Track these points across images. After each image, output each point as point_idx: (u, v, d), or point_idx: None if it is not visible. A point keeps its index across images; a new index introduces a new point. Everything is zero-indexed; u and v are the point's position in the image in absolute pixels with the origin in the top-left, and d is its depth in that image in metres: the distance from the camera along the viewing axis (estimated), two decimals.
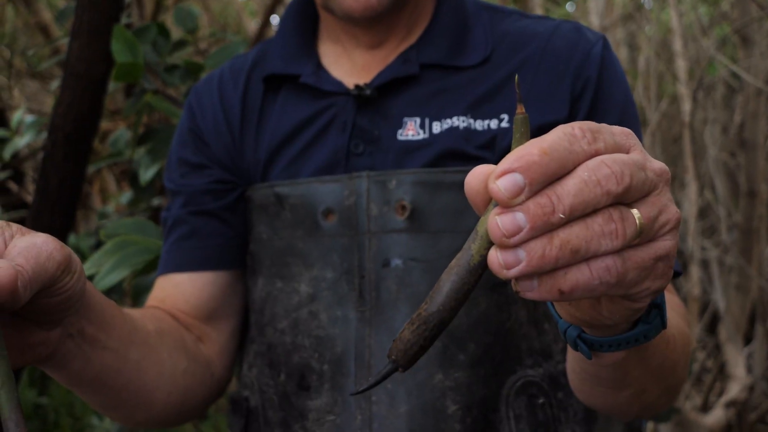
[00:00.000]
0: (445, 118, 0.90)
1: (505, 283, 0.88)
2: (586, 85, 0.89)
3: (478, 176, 0.48)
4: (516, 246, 0.46)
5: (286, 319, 0.91)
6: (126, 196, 2.05)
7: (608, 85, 0.91)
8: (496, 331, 0.87)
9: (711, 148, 2.95)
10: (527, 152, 0.45)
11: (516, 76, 0.52)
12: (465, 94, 0.91)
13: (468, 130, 0.89)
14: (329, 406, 0.87)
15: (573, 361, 0.76)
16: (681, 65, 2.56)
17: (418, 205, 0.88)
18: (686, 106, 2.48)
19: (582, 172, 0.46)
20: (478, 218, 0.88)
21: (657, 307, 0.58)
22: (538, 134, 0.87)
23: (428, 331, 0.49)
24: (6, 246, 0.58)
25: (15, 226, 0.60)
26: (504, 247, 0.46)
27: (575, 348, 0.62)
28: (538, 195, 0.45)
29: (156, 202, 1.97)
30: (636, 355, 0.67)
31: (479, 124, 0.90)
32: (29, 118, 1.96)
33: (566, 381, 0.90)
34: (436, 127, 0.90)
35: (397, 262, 0.88)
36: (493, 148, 0.89)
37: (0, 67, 3.33)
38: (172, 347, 0.88)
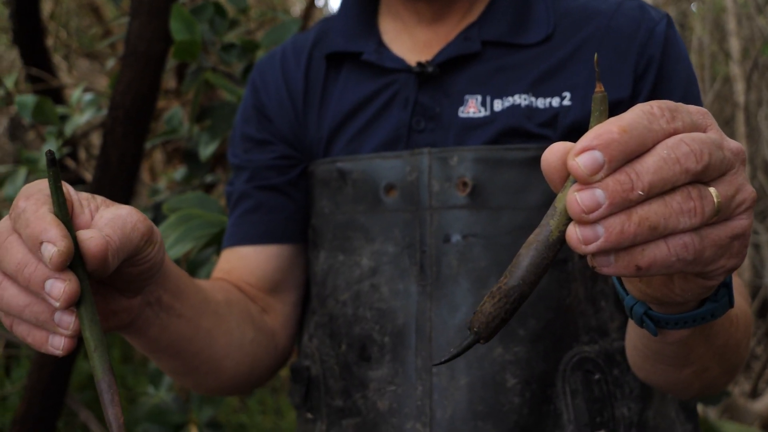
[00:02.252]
0: (507, 96, 0.91)
1: (566, 260, 0.89)
2: (649, 63, 0.89)
3: (555, 153, 0.49)
4: (595, 222, 0.47)
5: (348, 291, 0.93)
6: (180, 172, 2.09)
7: (672, 64, 0.91)
8: (556, 308, 0.88)
9: (765, 130, 2.90)
10: (607, 130, 0.46)
11: (595, 55, 0.52)
12: (527, 71, 0.92)
13: (529, 108, 0.90)
14: (390, 376, 0.89)
15: (636, 338, 0.77)
16: (735, 45, 2.52)
17: (480, 181, 0.89)
18: (739, 87, 2.44)
19: (661, 150, 0.47)
20: (539, 195, 0.90)
21: (725, 286, 0.59)
22: None
23: (509, 304, 0.50)
24: (92, 217, 0.60)
25: (99, 198, 0.63)
26: (583, 222, 0.47)
27: (641, 325, 0.63)
28: (618, 172, 0.46)
29: (209, 178, 2.00)
30: (701, 334, 0.68)
31: (541, 102, 0.90)
32: (87, 96, 2.00)
33: (622, 358, 0.91)
34: (498, 105, 0.91)
35: (457, 237, 0.89)
36: (555, 126, 0.89)
37: (56, 47, 3.39)
38: (239, 317, 0.91)
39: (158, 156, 3.51)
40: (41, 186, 0.59)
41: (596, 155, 0.46)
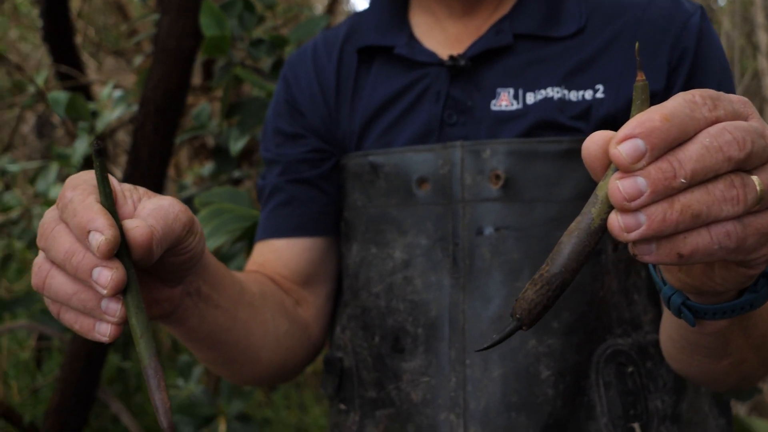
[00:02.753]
0: (539, 89, 0.91)
1: (599, 253, 0.89)
2: (683, 55, 0.89)
3: (597, 141, 0.50)
4: (637, 210, 0.47)
5: (381, 283, 0.94)
6: (207, 168, 2.11)
7: (706, 57, 0.90)
8: (590, 300, 0.88)
9: None
10: (648, 118, 0.47)
11: (636, 44, 0.53)
12: (559, 64, 0.92)
13: (562, 100, 0.90)
14: (423, 368, 0.90)
15: (672, 329, 0.77)
16: (763, 38, 2.49)
17: (513, 174, 0.89)
18: None
19: (704, 138, 0.47)
20: (571, 187, 0.90)
21: (765, 276, 0.59)
22: None
23: (551, 291, 0.51)
24: (135, 208, 0.62)
25: (141, 189, 0.64)
26: (625, 210, 0.48)
27: (678, 315, 0.63)
28: (660, 160, 0.47)
29: (237, 174, 2.02)
30: (739, 324, 0.67)
31: (574, 95, 0.90)
32: (116, 92, 2.03)
33: (655, 351, 0.91)
34: (530, 98, 0.91)
35: (490, 230, 0.89)
36: (588, 119, 0.89)
37: (84, 45, 3.43)
38: (274, 309, 0.92)
39: (183, 153, 3.54)
40: (86, 177, 0.61)
41: (638, 143, 0.47)
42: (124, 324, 0.58)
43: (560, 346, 0.87)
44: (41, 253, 0.61)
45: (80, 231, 0.56)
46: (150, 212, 0.60)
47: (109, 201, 0.58)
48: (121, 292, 0.57)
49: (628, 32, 0.91)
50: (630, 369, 0.89)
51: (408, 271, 0.92)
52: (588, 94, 0.90)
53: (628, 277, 0.91)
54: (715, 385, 0.84)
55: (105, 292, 0.56)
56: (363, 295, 0.96)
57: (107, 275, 0.55)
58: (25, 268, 3.48)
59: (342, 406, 0.99)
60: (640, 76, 0.51)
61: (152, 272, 0.68)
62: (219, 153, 1.78)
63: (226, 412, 1.86)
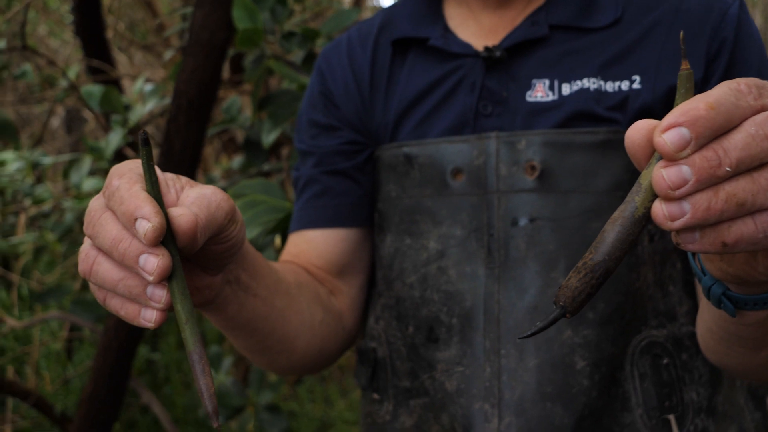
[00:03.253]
0: (575, 80, 0.91)
1: (635, 244, 0.89)
2: (722, 46, 0.88)
3: (640, 130, 0.50)
4: (681, 198, 0.47)
5: (415, 274, 0.95)
6: (237, 161, 2.13)
7: (744, 47, 0.90)
8: (626, 291, 0.88)
9: None
10: (694, 106, 0.47)
11: (681, 33, 0.53)
12: (595, 55, 0.92)
13: (598, 91, 0.90)
14: (458, 357, 0.90)
15: (711, 320, 0.76)
16: None
17: (548, 165, 0.89)
18: None
19: (749, 127, 0.47)
20: (607, 178, 0.90)
21: None
22: (672, 96, 0.87)
23: (595, 279, 0.51)
24: (178, 197, 0.62)
25: (184, 179, 0.65)
26: (669, 199, 0.48)
27: (719, 306, 0.63)
28: (705, 148, 0.47)
29: (266, 167, 2.03)
30: None
31: (610, 86, 0.90)
32: (148, 86, 2.04)
33: (690, 343, 0.91)
34: (566, 89, 0.91)
35: (525, 221, 0.89)
36: (625, 110, 0.89)
37: (114, 40, 3.47)
38: (309, 299, 0.93)
39: (210, 147, 3.56)
40: (132, 166, 0.62)
41: (683, 132, 0.47)
42: (168, 310, 0.59)
43: (596, 336, 0.87)
44: (87, 240, 0.62)
45: (127, 218, 0.57)
46: (193, 200, 0.61)
47: (155, 189, 0.59)
48: (166, 278, 0.58)
49: (666, 23, 0.91)
50: (665, 360, 0.89)
51: (442, 261, 0.93)
52: (624, 85, 0.90)
53: (663, 269, 0.91)
54: (753, 376, 0.83)
55: (151, 278, 0.57)
56: (397, 286, 0.97)
57: (153, 262, 0.56)
58: (56, 260, 3.52)
59: (375, 396, 0.99)
60: (685, 65, 0.51)
61: (194, 260, 0.69)
62: (249, 146, 1.79)
63: (255, 402, 1.88)
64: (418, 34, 1.00)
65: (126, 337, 1.83)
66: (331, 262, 1.01)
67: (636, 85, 0.89)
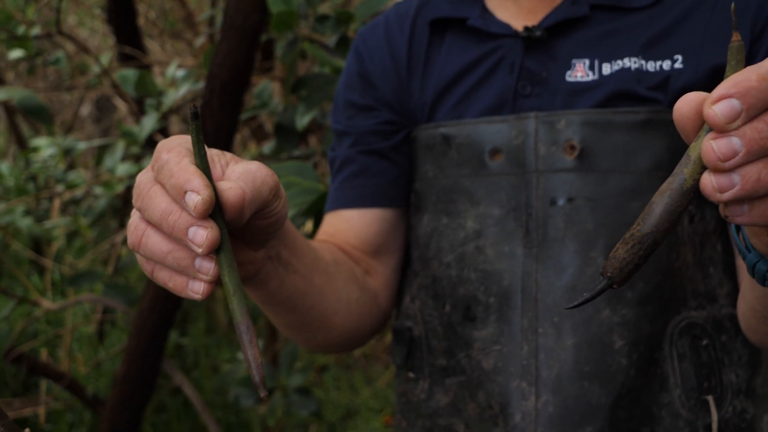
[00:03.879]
0: (616, 60, 0.91)
1: (683, 216, 0.88)
2: (766, 24, 0.87)
3: (689, 102, 0.49)
4: (730, 170, 0.47)
5: (452, 253, 0.95)
6: (268, 146, 2.14)
7: None
8: (665, 271, 0.88)
9: None
10: (745, 78, 0.46)
11: (732, 4, 0.52)
12: (637, 35, 0.91)
13: (640, 71, 0.89)
14: (495, 336, 0.91)
15: (754, 299, 0.76)
16: None
17: (588, 144, 0.89)
18: None
19: None
20: (648, 158, 0.89)
21: None
22: (715, 75, 0.86)
23: (642, 250, 0.51)
24: (223, 172, 0.63)
25: (229, 155, 0.66)
26: (718, 171, 0.47)
27: (763, 283, 0.63)
28: (755, 120, 0.47)
29: (297, 152, 2.04)
30: None
31: (651, 65, 0.90)
32: (180, 72, 2.06)
33: (730, 325, 0.90)
34: (606, 69, 0.91)
35: (563, 200, 0.89)
36: (666, 89, 0.89)
37: (144, 28, 3.50)
38: (346, 277, 0.94)
39: (237, 135, 3.59)
40: (180, 140, 0.62)
41: (734, 103, 0.46)
42: (216, 282, 0.60)
43: (634, 316, 0.87)
44: (136, 213, 0.62)
45: (177, 191, 0.57)
46: (239, 175, 0.62)
47: (204, 163, 0.59)
48: (214, 251, 0.58)
49: (710, 2, 0.90)
50: (705, 342, 0.88)
51: (480, 240, 0.93)
52: (666, 65, 0.89)
53: (703, 250, 0.90)
54: None
55: (200, 250, 0.57)
56: (434, 265, 0.97)
57: (203, 234, 0.57)
58: (87, 245, 3.57)
59: (411, 375, 1.00)
60: (736, 37, 0.50)
61: (237, 235, 0.69)
62: (280, 131, 1.80)
63: (285, 385, 1.90)
64: (456, 14, 1.00)
65: (159, 319, 1.86)
66: (366, 242, 1.01)
67: (678, 65, 0.89)
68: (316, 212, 1.29)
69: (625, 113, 0.88)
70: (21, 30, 2.22)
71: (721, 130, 0.47)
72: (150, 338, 1.86)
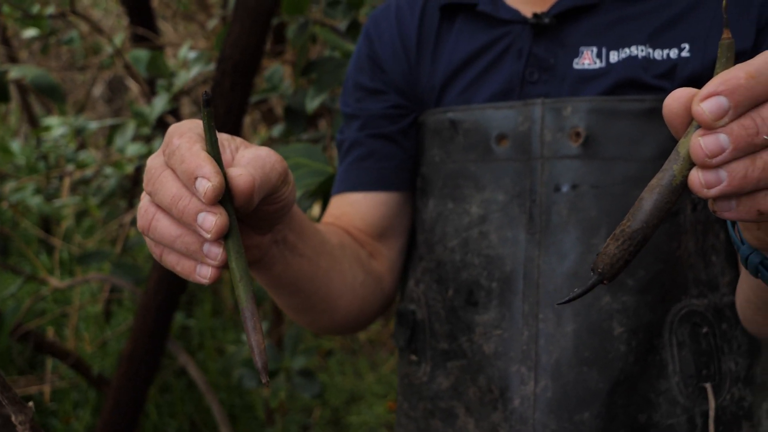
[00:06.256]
0: (624, 48, 0.91)
1: (677, 213, 0.89)
2: None
3: (678, 99, 0.50)
4: (718, 166, 0.48)
5: (456, 238, 0.96)
6: (278, 129, 2.15)
7: None
8: (666, 259, 0.88)
9: None
10: (733, 75, 0.47)
11: (724, 1, 0.53)
12: (645, 23, 0.91)
13: (647, 59, 0.90)
14: (497, 321, 0.92)
15: (749, 290, 0.77)
16: None
17: (593, 132, 0.89)
18: None
19: None
20: (653, 146, 0.90)
21: None
22: None
23: (633, 246, 0.52)
24: (233, 157, 0.64)
25: (238, 140, 0.66)
26: (706, 167, 0.48)
27: (756, 274, 0.64)
28: (743, 117, 0.47)
29: (306, 136, 2.05)
30: None
31: (658, 54, 0.90)
32: (192, 53, 2.07)
33: (731, 313, 0.91)
34: (614, 57, 0.91)
35: (567, 187, 0.90)
36: (673, 78, 0.89)
37: (158, 10, 3.50)
38: (351, 260, 0.95)
39: (247, 118, 3.60)
40: (191, 125, 0.63)
41: (721, 100, 0.47)
42: (223, 267, 0.61)
43: (634, 303, 0.88)
44: (145, 197, 0.63)
45: (188, 177, 0.58)
46: (249, 161, 0.62)
47: (215, 150, 0.60)
48: (223, 236, 0.59)
49: None
50: (705, 330, 0.89)
51: (484, 226, 0.94)
52: (673, 53, 0.89)
53: (706, 239, 0.91)
54: None
55: (209, 236, 0.58)
56: (438, 249, 0.98)
57: (212, 220, 0.58)
58: (96, 225, 3.60)
59: (413, 357, 1.01)
60: (726, 34, 0.51)
61: (244, 220, 0.70)
62: (289, 114, 1.81)
63: (288, 367, 1.92)
64: (467, 0, 1.00)
65: (165, 298, 1.87)
66: (372, 225, 1.02)
67: (685, 53, 0.89)
68: (324, 194, 1.30)
69: (631, 101, 0.89)
70: (35, 9, 2.23)
71: (709, 127, 0.48)
72: (156, 317, 1.87)
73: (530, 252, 0.91)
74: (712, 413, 0.88)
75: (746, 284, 0.78)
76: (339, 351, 3.89)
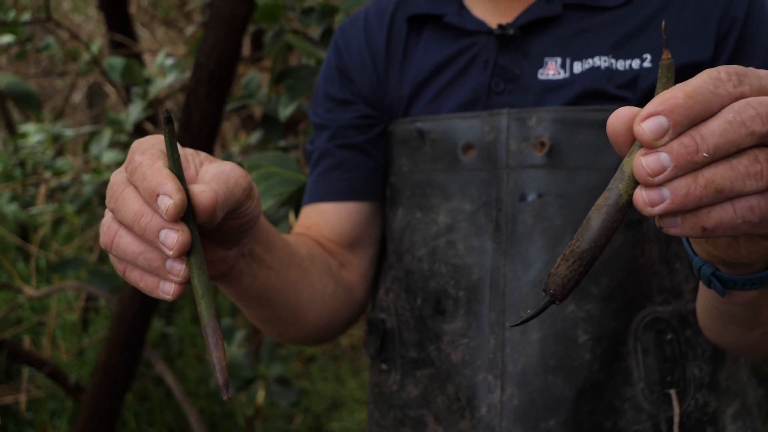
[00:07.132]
0: (587, 58, 0.92)
1: (640, 221, 0.90)
2: (732, 25, 0.89)
3: (621, 118, 0.51)
4: (660, 185, 0.48)
5: (425, 247, 0.96)
6: (255, 136, 2.15)
7: (755, 27, 0.90)
8: (629, 267, 0.89)
9: None
10: (672, 96, 0.48)
11: (663, 22, 0.54)
12: (608, 34, 0.92)
13: (609, 69, 0.91)
14: (464, 330, 0.92)
15: (705, 299, 0.78)
16: None
17: (557, 141, 0.90)
18: None
19: (727, 114, 0.48)
20: (615, 156, 0.91)
21: None
22: (682, 74, 0.88)
23: (582, 266, 0.53)
24: (197, 172, 0.64)
25: (203, 155, 0.67)
26: (648, 185, 0.49)
27: (708, 285, 0.65)
28: (683, 135, 0.48)
29: (283, 143, 2.05)
30: None
31: (621, 64, 0.91)
32: (169, 60, 2.07)
33: (695, 320, 0.92)
34: (577, 67, 0.92)
35: (533, 196, 0.91)
36: (635, 88, 0.90)
37: (137, 15, 3.49)
38: (321, 271, 0.95)
39: (228, 124, 3.59)
40: (154, 141, 0.63)
41: (661, 120, 0.48)
42: (186, 284, 0.61)
43: (598, 311, 0.89)
44: (109, 214, 0.63)
45: (149, 194, 0.58)
46: (212, 177, 0.63)
47: (176, 166, 0.60)
48: (185, 253, 0.59)
49: (678, 1, 0.91)
50: (669, 336, 0.90)
51: (451, 235, 0.94)
52: (635, 64, 0.90)
53: (669, 246, 0.92)
54: (748, 354, 0.84)
55: (171, 253, 0.58)
56: (407, 259, 0.98)
57: (174, 237, 0.58)
58: (74, 232, 3.57)
59: (383, 366, 1.02)
60: (666, 55, 0.52)
61: (209, 235, 0.70)
62: (267, 121, 1.81)
63: (266, 375, 1.91)
64: (433, 11, 1.01)
65: (140, 307, 1.87)
66: (342, 235, 1.03)
67: (647, 64, 0.90)
68: (296, 202, 1.30)
69: (594, 111, 0.90)
70: (11, 15, 2.22)
71: (650, 146, 0.49)
72: (131, 326, 1.86)
73: (496, 261, 0.91)
74: (676, 419, 0.89)
75: (702, 294, 0.79)
76: (321, 357, 3.89)
